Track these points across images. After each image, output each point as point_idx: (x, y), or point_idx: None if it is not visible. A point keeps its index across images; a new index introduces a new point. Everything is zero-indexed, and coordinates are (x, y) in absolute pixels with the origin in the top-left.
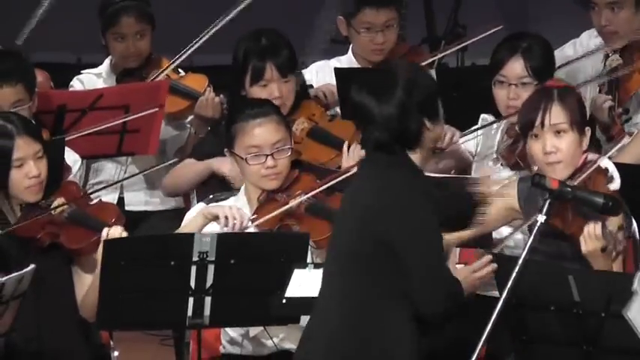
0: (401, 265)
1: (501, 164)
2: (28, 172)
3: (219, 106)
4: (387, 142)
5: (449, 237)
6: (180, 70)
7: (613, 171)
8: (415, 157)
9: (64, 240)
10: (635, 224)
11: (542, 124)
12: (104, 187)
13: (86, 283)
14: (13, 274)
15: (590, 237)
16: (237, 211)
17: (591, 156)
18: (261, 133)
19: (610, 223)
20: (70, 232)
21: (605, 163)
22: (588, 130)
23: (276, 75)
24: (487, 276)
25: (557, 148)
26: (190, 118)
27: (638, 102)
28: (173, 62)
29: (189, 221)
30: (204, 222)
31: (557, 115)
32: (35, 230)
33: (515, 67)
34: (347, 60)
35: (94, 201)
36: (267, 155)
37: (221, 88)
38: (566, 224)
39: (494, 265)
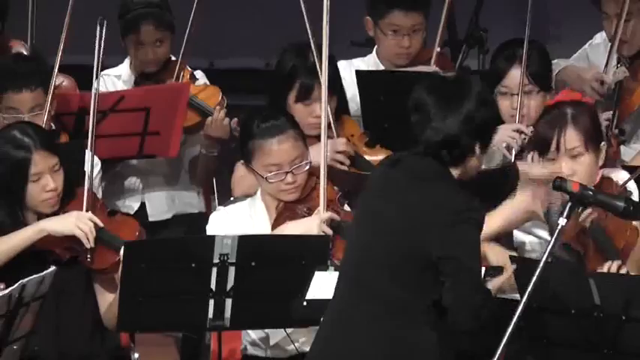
0: (437, 281)
1: None
2: (45, 185)
3: (228, 128)
4: (437, 148)
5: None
6: (197, 75)
7: (630, 184)
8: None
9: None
10: None
11: (558, 148)
12: None
13: (108, 299)
14: (34, 276)
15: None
16: None
17: (606, 171)
18: (280, 151)
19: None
20: (94, 251)
21: (622, 176)
22: (604, 146)
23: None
24: None
25: (573, 171)
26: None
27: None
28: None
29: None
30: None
31: (571, 139)
32: (54, 244)
33: (516, 76)
34: (371, 61)
35: (117, 215)
36: (287, 172)
37: (240, 92)
38: (588, 257)
39: None
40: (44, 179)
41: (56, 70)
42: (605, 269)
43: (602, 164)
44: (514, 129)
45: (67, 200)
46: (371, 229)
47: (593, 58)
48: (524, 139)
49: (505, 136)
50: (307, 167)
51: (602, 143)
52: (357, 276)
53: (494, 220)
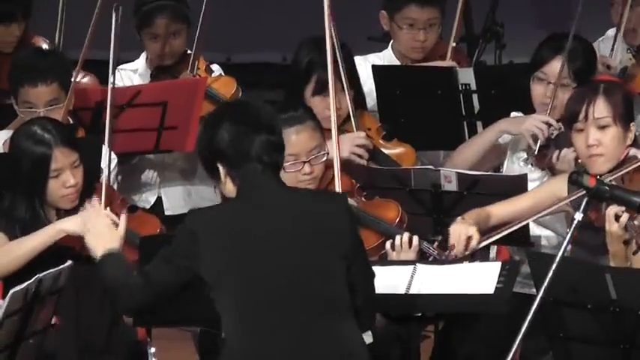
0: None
1: (531, 164)
2: (65, 181)
3: None
4: (275, 161)
5: (500, 212)
6: (213, 67)
7: None
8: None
9: None
10: None
11: (586, 117)
12: None
13: None
14: (50, 270)
15: (611, 219)
16: None
17: (633, 151)
18: (298, 141)
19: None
20: None
21: None
22: (634, 126)
23: (339, 88)
24: None
25: (599, 141)
26: None
27: None
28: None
29: None
30: None
31: (600, 109)
32: (73, 241)
33: (557, 66)
34: (386, 56)
35: (137, 212)
36: (305, 162)
37: (257, 86)
38: (599, 218)
39: None
40: (64, 175)
41: (79, 66)
42: (610, 212)
43: (629, 144)
44: (544, 120)
45: (86, 196)
46: (292, 248)
47: (604, 50)
48: (552, 133)
49: (533, 126)
50: (324, 158)
51: (633, 124)
52: (300, 288)
53: (523, 199)
